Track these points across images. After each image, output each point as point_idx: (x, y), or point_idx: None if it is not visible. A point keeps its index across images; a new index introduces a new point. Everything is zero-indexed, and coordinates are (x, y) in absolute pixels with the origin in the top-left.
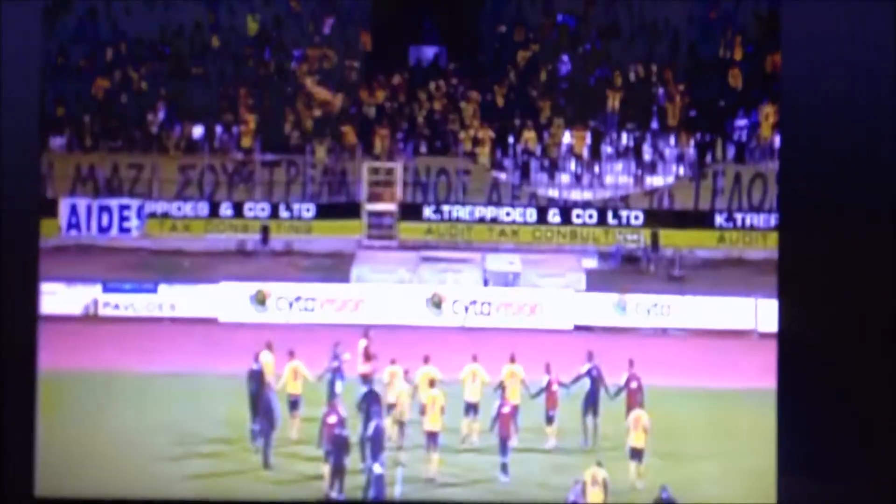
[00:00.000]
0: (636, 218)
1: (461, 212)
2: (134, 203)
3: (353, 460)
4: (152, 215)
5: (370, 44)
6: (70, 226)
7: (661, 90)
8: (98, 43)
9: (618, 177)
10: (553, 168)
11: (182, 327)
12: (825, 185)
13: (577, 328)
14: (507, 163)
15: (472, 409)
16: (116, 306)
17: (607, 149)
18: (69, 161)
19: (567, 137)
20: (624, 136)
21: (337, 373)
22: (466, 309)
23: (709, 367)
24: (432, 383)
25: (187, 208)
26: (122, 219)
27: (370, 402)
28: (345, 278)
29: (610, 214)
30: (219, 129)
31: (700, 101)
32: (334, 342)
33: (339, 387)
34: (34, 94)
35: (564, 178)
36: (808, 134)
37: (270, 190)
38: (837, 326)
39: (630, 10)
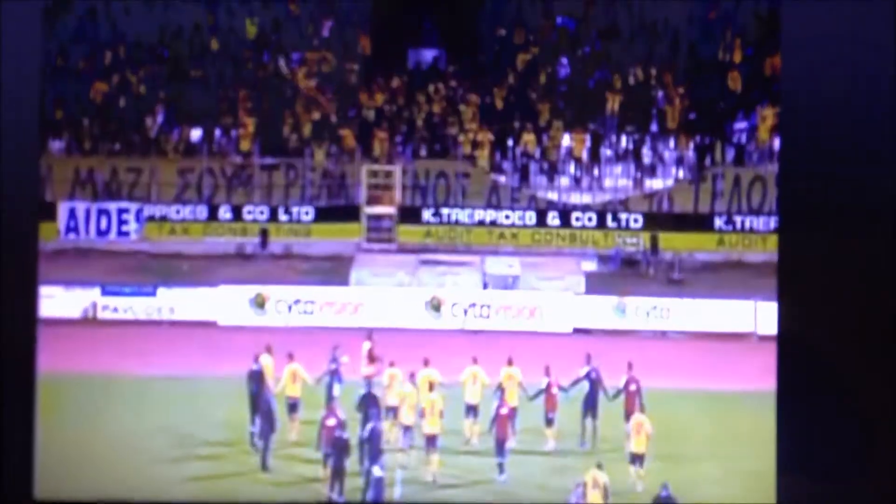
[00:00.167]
0: (635, 221)
1: (460, 215)
2: (133, 206)
3: (352, 462)
4: (151, 219)
5: (369, 46)
6: (69, 229)
7: (660, 93)
8: (97, 45)
9: (617, 179)
10: (552, 171)
11: (181, 330)
12: (825, 187)
13: (577, 331)
14: (507, 166)
15: (472, 410)
16: (115, 309)
17: (607, 151)
18: (68, 164)
19: (566, 140)
20: (623, 139)
21: (335, 376)
22: (466, 312)
23: (708, 370)
24: (431, 387)
25: (186, 211)
26: (121, 222)
27: (368, 405)
28: (344, 281)
29: (609, 217)
30: (218, 132)
31: (699, 103)
32: (333, 345)
33: (336, 390)
34: (34, 94)
35: (564, 180)
36: (808, 135)
37: (269, 193)
38: (837, 328)
39: (630, 11)
